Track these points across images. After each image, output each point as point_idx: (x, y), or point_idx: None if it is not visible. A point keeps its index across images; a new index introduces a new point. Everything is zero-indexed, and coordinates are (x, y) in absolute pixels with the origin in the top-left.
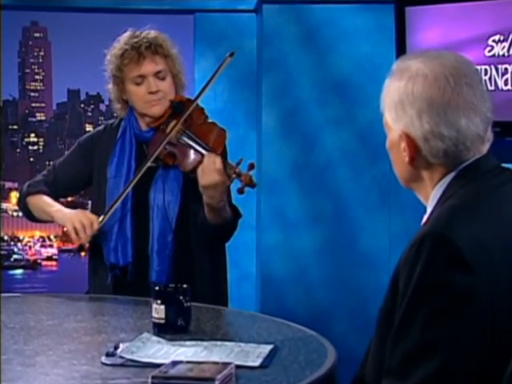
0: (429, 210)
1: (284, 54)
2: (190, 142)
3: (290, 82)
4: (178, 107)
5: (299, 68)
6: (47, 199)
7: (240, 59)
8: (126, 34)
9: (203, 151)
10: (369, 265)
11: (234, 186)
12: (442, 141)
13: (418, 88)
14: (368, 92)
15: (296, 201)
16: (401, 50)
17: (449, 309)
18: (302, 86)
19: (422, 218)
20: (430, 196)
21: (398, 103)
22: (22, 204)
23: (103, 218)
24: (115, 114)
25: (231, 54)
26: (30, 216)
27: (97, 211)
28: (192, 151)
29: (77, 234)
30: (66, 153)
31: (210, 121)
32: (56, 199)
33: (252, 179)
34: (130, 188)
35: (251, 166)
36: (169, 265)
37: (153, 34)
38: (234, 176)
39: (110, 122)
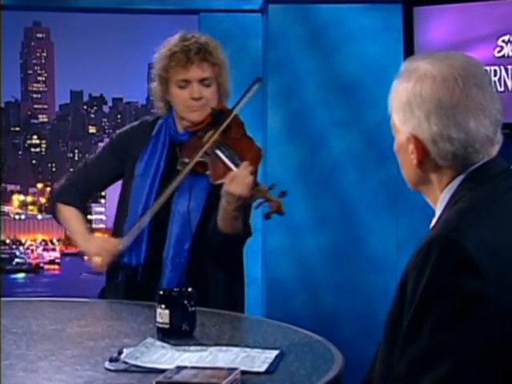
0: (437, 214)
1: (290, 54)
2: (223, 157)
3: (296, 83)
4: (218, 116)
5: (305, 69)
6: (75, 217)
7: (245, 60)
8: (177, 36)
9: (234, 167)
10: (376, 269)
11: (262, 209)
12: (451, 143)
13: (427, 89)
14: (375, 93)
15: (302, 204)
16: (408, 50)
17: (458, 313)
18: (308, 87)
19: (430, 221)
20: (439, 199)
21: (406, 105)
22: (51, 206)
23: (124, 242)
24: (154, 111)
25: (259, 80)
26: (56, 218)
27: (121, 207)
28: (224, 165)
29: (96, 260)
30: (98, 150)
31: (247, 136)
32: (87, 197)
33: (281, 207)
34: (155, 207)
35: (282, 194)
36: (181, 272)
37: (204, 38)
38: (263, 199)
39: (146, 117)
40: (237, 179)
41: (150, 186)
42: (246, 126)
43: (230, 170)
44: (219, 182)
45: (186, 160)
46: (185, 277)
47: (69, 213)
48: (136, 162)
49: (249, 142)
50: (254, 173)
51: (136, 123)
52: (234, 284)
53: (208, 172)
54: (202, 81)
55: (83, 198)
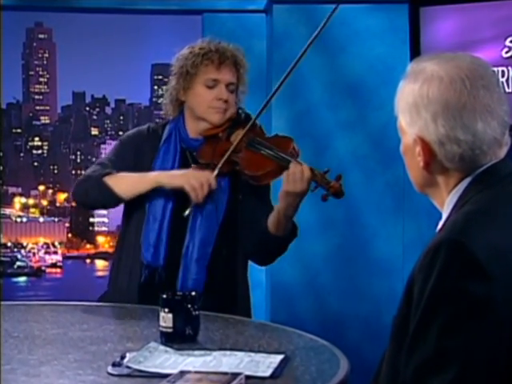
0: (444, 216)
1: (295, 55)
2: (259, 149)
3: (301, 84)
4: (237, 121)
5: (310, 70)
6: (132, 173)
7: (249, 61)
8: (206, 39)
9: (278, 157)
10: (382, 272)
11: (318, 192)
12: (458, 145)
13: (434, 91)
14: (381, 94)
15: (307, 206)
16: (415, 51)
17: (465, 317)
18: (313, 88)
19: (436, 224)
20: (446, 202)
21: (413, 106)
22: (97, 185)
23: (217, 173)
24: (162, 113)
25: None
26: (103, 195)
27: (133, 213)
28: (259, 156)
29: (196, 192)
30: (109, 151)
31: (274, 134)
32: None
33: (341, 188)
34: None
35: (339, 177)
36: (206, 274)
37: (232, 46)
38: (319, 182)
39: (152, 124)
40: (295, 177)
41: (165, 196)
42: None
43: (269, 161)
44: (260, 173)
45: (204, 160)
46: (210, 279)
47: (121, 175)
48: (149, 167)
49: (280, 137)
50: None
51: (144, 128)
52: (247, 286)
53: (239, 168)
54: (228, 85)
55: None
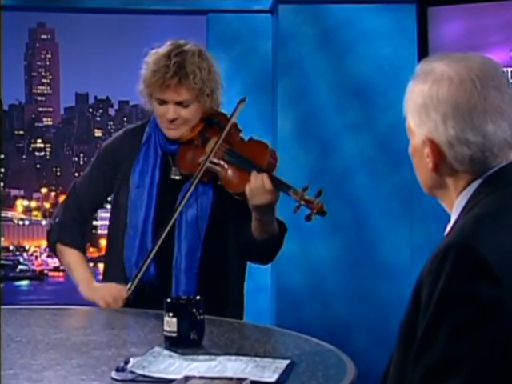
0: (453, 219)
1: (300, 56)
2: (235, 161)
3: (307, 86)
4: (210, 121)
5: (316, 71)
6: (78, 263)
7: (255, 61)
8: (166, 48)
9: (250, 169)
10: (389, 276)
11: (301, 213)
12: (468, 147)
13: (443, 91)
14: (388, 96)
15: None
16: (423, 51)
17: (474, 322)
18: (320, 89)
19: (444, 227)
20: (455, 204)
21: (422, 107)
22: (52, 245)
23: (131, 286)
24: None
25: (243, 100)
26: (57, 256)
27: (117, 220)
28: (237, 170)
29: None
30: (86, 171)
31: (251, 138)
32: (85, 226)
33: (323, 207)
34: (162, 237)
35: (319, 193)
36: (196, 283)
37: (188, 55)
38: (301, 203)
39: (130, 126)
40: (256, 191)
41: (148, 198)
42: (251, 130)
43: (245, 172)
44: (241, 190)
45: (184, 171)
46: (200, 287)
47: (71, 258)
48: (129, 173)
49: (255, 143)
50: (268, 169)
51: (120, 133)
52: (241, 290)
53: (220, 182)
54: (178, 103)
55: (82, 230)
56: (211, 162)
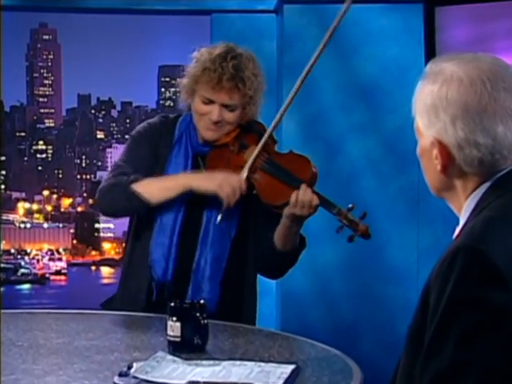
0: (461, 222)
1: (306, 56)
2: (275, 172)
3: (313, 87)
4: (252, 128)
5: (322, 71)
6: (160, 177)
7: (259, 62)
8: (220, 47)
9: (291, 183)
10: (396, 280)
11: (344, 233)
12: (478, 149)
13: (453, 92)
14: (395, 97)
15: (318, 212)
16: (430, 52)
17: (483, 327)
18: (325, 90)
19: (452, 230)
20: (463, 207)
21: (431, 108)
22: (125, 194)
23: (246, 175)
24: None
25: None
26: (133, 203)
27: (144, 219)
28: (276, 182)
29: (229, 198)
30: (123, 151)
31: (291, 151)
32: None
33: (368, 230)
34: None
35: (364, 215)
36: (219, 293)
37: (245, 61)
38: (345, 222)
39: (163, 118)
40: (302, 204)
41: (179, 202)
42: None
43: (286, 188)
44: (280, 202)
45: None
46: (221, 296)
47: (154, 179)
48: (161, 165)
49: (296, 156)
50: (310, 183)
51: (155, 121)
52: (256, 298)
53: (256, 192)
54: (226, 105)
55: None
56: (249, 171)
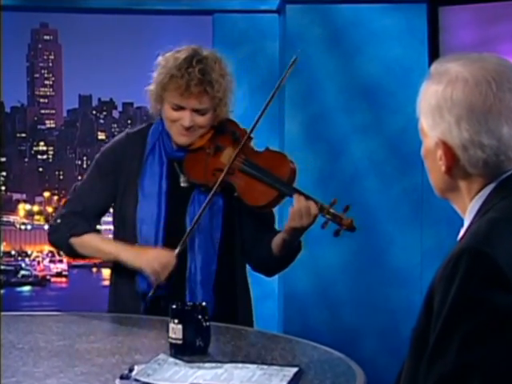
0: (466, 224)
1: (308, 57)
2: (254, 173)
3: (315, 87)
4: (225, 129)
5: (324, 72)
6: (100, 238)
7: (261, 63)
8: (185, 52)
9: (270, 182)
10: (399, 282)
11: (329, 228)
12: (482, 150)
13: (458, 93)
14: (398, 97)
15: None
16: (433, 52)
17: (488, 330)
18: (328, 91)
19: (456, 231)
20: (468, 208)
21: (436, 108)
22: (64, 245)
23: (179, 251)
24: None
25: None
26: (73, 254)
27: (124, 233)
28: (256, 183)
29: (158, 275)
30: (85, 177)
31: (267, 148)
32: (93, 223)
33: (353, 223)
34: (198, 217)
35: (347, 208)
36: (213, 296)
37: (211, 63)
38: (328, 217)
39: (131, 130)
40: (300, 214)
41: (158, 208)
42: (257, 133)
43: (268, 188)
44: (261, 204)
45: (195, 179)
46: (215, 299)
47: (93, 240)
48: (132, 181)
49: (272, 154)
50: (289, 180)
51: (122, 136)
52: (250, 298)
53: (237, 194)
54: (196, 110)
55: (91, 223)
56: (228, 173)
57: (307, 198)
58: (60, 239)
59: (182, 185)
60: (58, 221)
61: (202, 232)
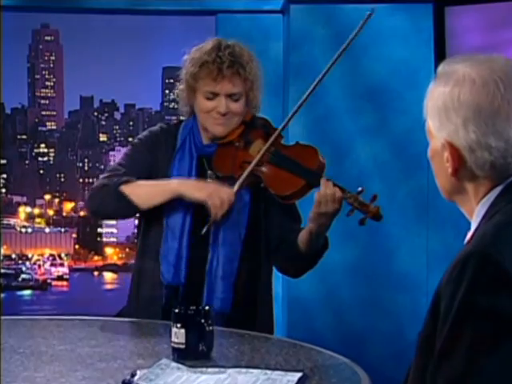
0: (473, 227)
1: (313, 58)
2: (283, 164)
3: (320, 89)
4: (256, 123)
5: (329, 73)
6: (151, 182)
7: (265, 64)
8: (211, 42)
9: (299, 173)
10: (405, 286)
11: (355, 216)
12: (490, 152)
13: (465, 94)
14: (404, 99)
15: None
16: (440, 53)
17: (495, 334)
18: (333, 92)
19: (462, 234)
20: (475, 211)
21: (442, 110)
22: (114, 195)
23: (237, 189)
24: (168, 118)
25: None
26: (124, 205)
27: (152, 226)
28: (284, 173)
29: (216, 209)
30: (123, 156)
31: (297, 142)
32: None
33: (379, 211)
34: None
35: (374, 197)
36: (233, 292)
37: (239, 49)
38: (356, 205)
39: (164, 125)
40: (326, 199)
41: (186, 204)
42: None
43: (295, 178)
44: (287, 193)
45: (223, 173)
46: (234, 297)
47: (139, 184)
48: (163, 173)
49: (302, 146)
50: (321, 172)
51: (156, 129)
52: (271, 300)
53: (264, 185)
54: (230, 95)
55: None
56: (256, 165)
57: (334, 184)
58: (108, 191)
59: (209, 180)
60: (101, 181)
61: (228, 226)
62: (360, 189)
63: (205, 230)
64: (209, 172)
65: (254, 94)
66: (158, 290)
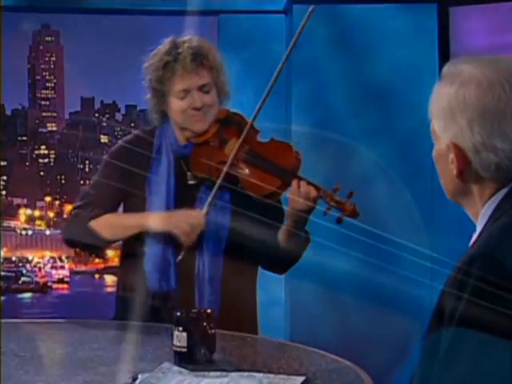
0: (478, 229)
1: (316, 58)
2: (258, 163)
3: (323, 90)
4: (230, 120)
5: (332, 74)
6: (120, 214)
7: (268, 65)
8: (167, 42)
9: (275, 172)
10: (409, 288)
11: (332, 215)
12: (495, 153)
13: (470, 95)
14: (408, 100)
15: (327, 219)
16: (444, 54)
17: (500, 336)
18: (336, 93)
19: (467, 237)
20: (480, 213)
21: (448, 111)
22: (84, 233)
23: (207, 211)
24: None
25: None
26: (93, 244)
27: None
28: (260, 173)
29: (187, 236)
30: (95, 176)
31: (272, 138)
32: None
33: (356, 209)
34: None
35: (350, 194)
36: (219, 293)
37: (196, 41)
38: (332, 204)
39: (139, 131)
40: (299, 197)
41: (166, 207)
42: (264, 137)
43: (271, 177)
44: (265, 193)
45: (200, 174)
46: (221, 298)
47: (113, 216)
48: (143, 184)
49: (277, 144)
50: (296, 171)
51: (130, 138)
52: (256, 302)
53: (241, 186)
54: (201, 88)
55: (107, 211)
56: (232, 164)
57: (309, 183)
58: (79, 226)
59: (190, 182)
60: (74, 212)
61: (209, 229)
62: (335, 186)
63: (180, 257)
64: (188, 174)
65: (222, 80)
66: (145, 299)
